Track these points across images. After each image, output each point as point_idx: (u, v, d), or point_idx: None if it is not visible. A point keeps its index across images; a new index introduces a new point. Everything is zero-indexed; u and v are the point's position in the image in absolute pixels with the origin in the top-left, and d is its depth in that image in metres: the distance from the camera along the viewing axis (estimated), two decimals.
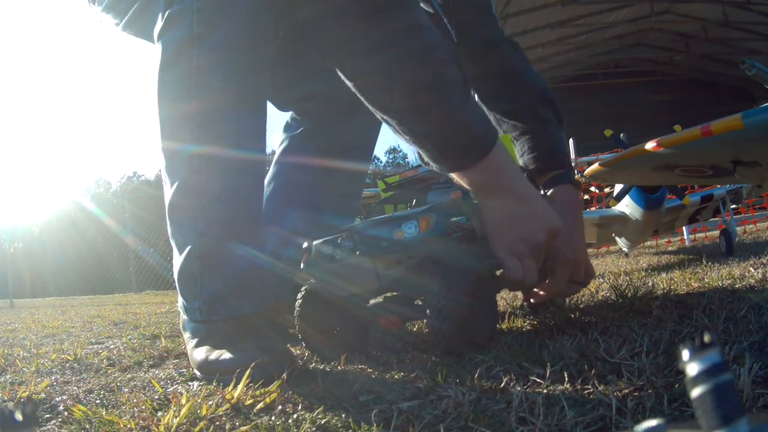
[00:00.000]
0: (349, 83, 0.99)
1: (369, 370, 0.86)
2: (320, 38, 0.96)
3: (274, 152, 1.45)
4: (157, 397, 0.79)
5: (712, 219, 3.88)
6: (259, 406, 0.68)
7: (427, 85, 0.94)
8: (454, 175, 1.02)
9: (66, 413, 0.74)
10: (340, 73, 0.99)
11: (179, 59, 0.96)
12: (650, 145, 1.94)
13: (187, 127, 0.96)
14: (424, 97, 0.94)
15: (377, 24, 0.91)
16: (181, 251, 0.99)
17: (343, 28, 0.92)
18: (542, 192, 1.27)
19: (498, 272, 1.11)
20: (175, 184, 0.98)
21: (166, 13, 0.96)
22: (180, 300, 1.01)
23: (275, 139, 1.48)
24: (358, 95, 0.99)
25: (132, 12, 1.11)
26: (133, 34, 1.18)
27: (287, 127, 1.43)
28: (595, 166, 2.44)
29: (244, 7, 0.94)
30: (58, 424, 0.70)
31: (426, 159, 1.01)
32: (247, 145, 1.00)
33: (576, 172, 5.40)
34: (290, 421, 0.62)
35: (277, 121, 1.50)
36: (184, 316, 1.02)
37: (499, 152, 1.00)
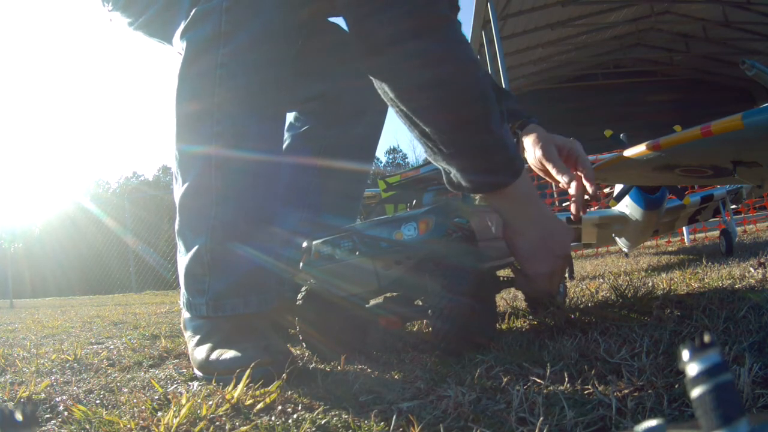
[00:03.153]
0: (391, 93, 0.97)
1: (369, 370, 0.86)
2: (369, 40, 0.95)
3: None
4: (157, 397, 0.79)
5: (712, 219, 3.87)
6: (259, 406, 0.68)
7: (475, 98, 0.94)
8: (485, 197, 1.04)
9: (66, 413, 0.74)
10: (383, 84, 0.97)
11: (203, 56, 0.96)
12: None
13: (207, 124, 0.96)
14: (472, 108, 0.94)
15: (433, 37, 0.92)
16: (189, 248, 0.99)
17: (396, 30, 0.92)
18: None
19: (499, 273, 1.11)
20: (189, 181, 0.98)
21: (193, 11, 0.96)
22: (184, 296, 1.01)
23: None
24: (401, 105, 0.97)
25: (152, 11, 1.11)
26: (147, 33, 1.18)
27: (290, 127, 1.43)
28: (595, 167, 2.44)
29: (272, 8, 0.94)
30: (58, 424, 0.70)
31: (459, 180, 1.00)
32: (265, 147, 1.00)
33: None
34: (290, 421, 0.62)
35: None
36: (186, 314, 1.02)
37: (525, 176, 1.03)
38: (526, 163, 1.27)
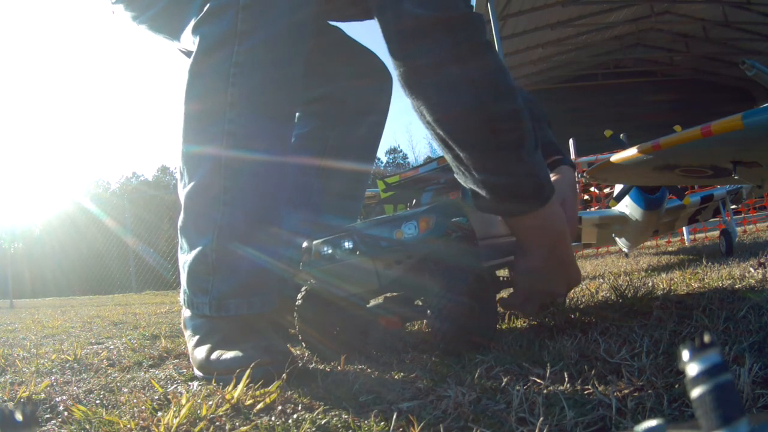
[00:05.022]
0: (429, 116, 0.97)
1: (369, 370, 0.86)
2: (411, 64, 0.95)
3: None
4: (157, 397, 0.79)
5: (712, 219, 3.87)
6: (259, 406, 0.68)
7: (511, 125, 0.95)
8: (507, 221, 1.05)
9: (66, 413, 0.74)
10: (422, 107, 0.97)
11: (217, 53, 0.95)
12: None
13: (218, 123, 0.95)
14: (507, 135, 0.95)
15: (474, 63, 0.93)
16: (193, 247, 0.98)
17: (440, 56, 0.92)
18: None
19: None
20: (196, 180, 0.98)
21: (207, 5, 0.95)
22: (185, 293, 1.01)
23: None
24: (437, 129, 0.97)
25: (161, 5, 1.10)
26: (151, 29, 1.17)
27: (294, 127, 1.44)
28: (593, 168, 2.45)
29: (290, 10, 0.94)
30: (58, 424, 0.70)
31: (486, 203, 1.01)
32: (275, 148, 0.99)
33: (576, 172, 5.39)
34: (290, 421, 0.62)
35: None
36: (186, 313, 1.02)
37: (554, 203, 1.02)
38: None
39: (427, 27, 0.91)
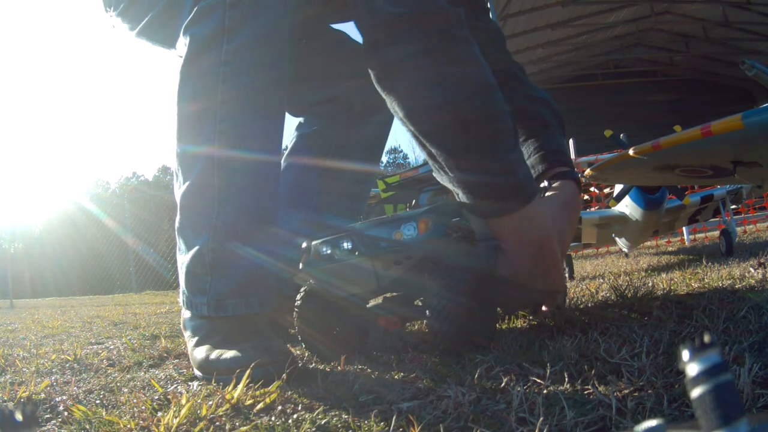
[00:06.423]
0: (401, 112, 0.95)
1: (369, 370, 0.86)
2: (383, 60, 0.94)
3: (286, 147, 1.44)
4: (157, 397, 0.79)
5: (712, 219, 3.87)
6: (259, 406, 0.68)
7: (484, 123, 0.92)
8: (487, 221, 0.99)
9: (66, 413, 0.74)
10: (393, 103, 0.96)
11: (206, 53, 0.95)
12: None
13: (210, 123, 0.95)
14: (480, 133, 0.92)
15: (447, 58, 0.90)
16: (190, 247, 0.99)
17: (411, 51, 0.91)
18: (546, 185, 1.23)
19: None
20: (190, 179, 0.98)
21: (196, 6, 0.96)
22: (184, 294, 1.01)
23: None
24: (410, 125, 0.95)
25: (152, 15, 1.11)
26: (148, 39, 1.19)
27: (299, 126, 1.43)
28: (593, 168, 2.45)
29: (276, 6, 0.94)
30: (58, 424, 0.70)
31: (463, 201, 0.98)
32: (266, 147, 0.99)
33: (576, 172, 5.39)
34: (290, 421, 0.62)
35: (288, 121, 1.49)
36: (186, 313, 1.02)
37: (536, 205, 0.97)
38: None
39: (399, 24, 0.90)
